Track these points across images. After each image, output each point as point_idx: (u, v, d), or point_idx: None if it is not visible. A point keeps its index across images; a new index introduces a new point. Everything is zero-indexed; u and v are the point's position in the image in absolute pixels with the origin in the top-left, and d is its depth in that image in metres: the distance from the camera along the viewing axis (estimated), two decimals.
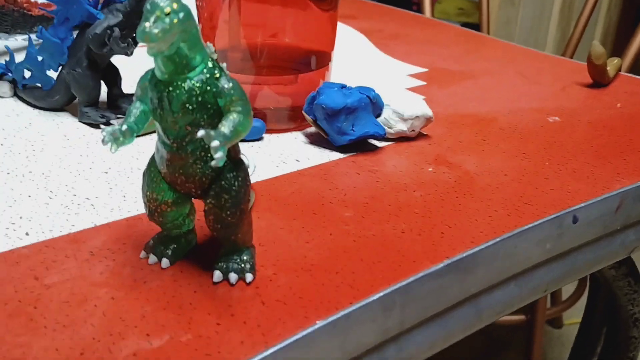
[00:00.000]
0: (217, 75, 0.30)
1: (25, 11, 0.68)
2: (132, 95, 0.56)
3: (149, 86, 0.31)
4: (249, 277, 0.33)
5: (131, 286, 0.32)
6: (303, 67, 0.54)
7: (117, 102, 0.54)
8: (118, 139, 0.30)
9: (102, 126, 0.51)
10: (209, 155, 0.31)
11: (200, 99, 0.30)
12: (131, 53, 0.51)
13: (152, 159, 0.33)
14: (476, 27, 1.27)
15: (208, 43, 0.31)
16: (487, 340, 1.39)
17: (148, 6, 0.28)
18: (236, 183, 0.31)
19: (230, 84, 0.30)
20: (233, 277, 0.33)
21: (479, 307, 0.40)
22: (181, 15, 0.28)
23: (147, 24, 0.28)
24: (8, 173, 0.44)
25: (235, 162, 0.32)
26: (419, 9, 1.22)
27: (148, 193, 0.32)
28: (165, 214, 0.33)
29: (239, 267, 0.33)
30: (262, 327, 0.30)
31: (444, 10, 2.38)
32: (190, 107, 0.30)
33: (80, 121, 0.52)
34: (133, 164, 0.45)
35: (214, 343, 0.29)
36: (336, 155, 0.48)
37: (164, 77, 0.30)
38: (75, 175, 0.44)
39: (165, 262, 0.34)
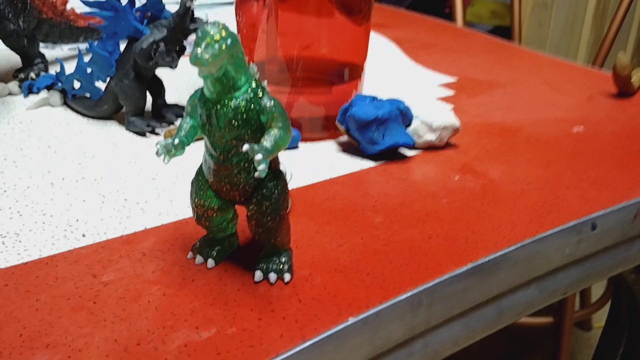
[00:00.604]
0: (260, 94, 0.33)
1: (71, 23, 0.72)
2: (174, 105, 0.59)
3: (198, 104, 0.34)
4: (287, 277, 0.36)
5: (180, 284, 0.35)
6: (337, 78, 0.56)
7: (161, 112, 0.58)
8: (170, 151, 0.33)
9: (147, 135, 0.54)
10: (252, 166, 0.34)
11: (245, 116, 0.33)
12: (175, 66, 0.54)
13: (200, 169, 0.36)
14: (509, 30, 1.29)
15: (251, 64, 0.34)
16: (515, 342, 1.40)
17: (199, 33, 0.31)
18: (276, 191, 0.35)
19: (272, 102, 0.33)
20: (273, 276, 0.36)
21: (500, 308, 0.42)
22: (229, 41, 0.32)
23: (198, 50, 0.31)
24: (63, 179, 0.47)
25: (275, 172, 0.35)
26: (451, 12, 1.25)
27: (196, 200, 0.36)
28: (211, 218, 0.36)
29: (278, 267, 0.36)
30: (299, 323, 0.33)
31: (477, 13, 2.40)
32: (236, 124, 0.33)
33: (127, 129, 0.56)
34: (178, 171, 0.49)
35: (257, 336, 0.32)
36: (367, 164, 0.51)
37: (212, 96, 0.33)
38: (125, 181, 0.47)
39: (210, 262, 0.37)
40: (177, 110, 0.59)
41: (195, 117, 0.34)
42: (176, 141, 0.34)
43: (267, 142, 0.32)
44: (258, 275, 0.36)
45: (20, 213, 0.42)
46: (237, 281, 0.36)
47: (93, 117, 0.58)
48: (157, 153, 0.33)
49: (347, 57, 0.57)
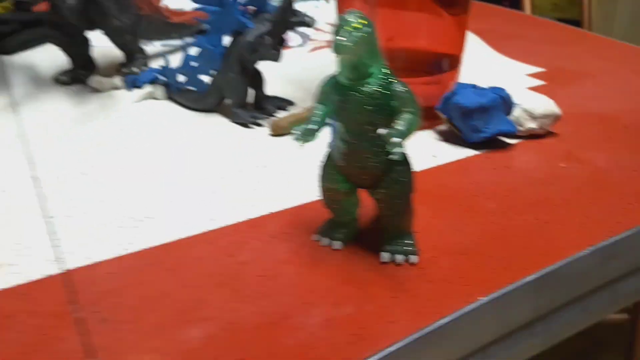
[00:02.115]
0: (392, 80, 0.35)
1: (166, 19, 0.75)
2: (274, 97, 0.61)
3: (331, 90, 0.35)
4: (413, 258, 0.37)
5: (312, 264, 0.37)
6: (435, 69, 0.57)
7: (262, 103, 0.60)
8: (307, 137, 0.35)
9: (250, 126, 0.56)
10: (383, 150, 0.35)
11: (378, 101, 0.34)
12: (279, 59, 0.56)
13: (329, 153, 0.37)
14: (571, 22, 1.27)
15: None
16: (588, 339, 1.38)
17: (341, 22, 0.33)
18: (406, 175, 0.36)
19: (404, 88, 0.35)
20: (400, 258, 0.37)
21: (616, 292, 0.42)
22: (367, 29, 0.33)
23: (340, 37, 0.32)
24: (181, 167, 0.49)
25: (404, 156, 0.36)
26: (512, 4, 1.23)
27: (326, 184, 0.37)
28: (339, 202, 0.37)
29: (404, 249, 0.37)
30: (432, 301, 0.34)
31: (538, 5, 2.36)
32: (370, 109, 0.34)
33: (231, 121, 0.58)
34: (286, 159, 0.50)
35: (394, 313, 0.33)
36: (470, 152, 0.52)
37: (347, 82, 0.34)
38: (240, 170, 0.49)
39: (338, 244, 0.38)
40: (277, 102, 0.61)
41: (327, 104, 0.36)
42: (311, 127, 0.35)
43: (401, 126, 0.33)
44: (387, 256, 0.37)
45: (150, 199, 0.44)
46: (363, 262, 0.37)
47: (197, 110, 0.60)
48: (295, 138, 0.35)
49: (445, 48, 0.58)
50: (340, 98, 0.35)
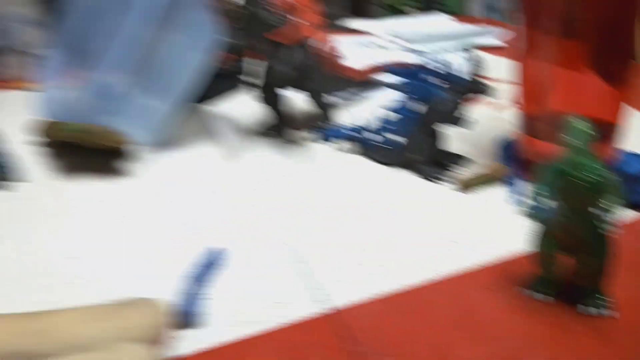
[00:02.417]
0: (601, 168, 0.43)
1: (346, 76, 0.85)
2: (451, 153, 0.70)
3: (555, 175, 0.44)
4: (609, 312, 0.46)
5: (528, 314, 0.46)
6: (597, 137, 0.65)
7: (441, 160, 0.69)
8: (537, 215, 0.45)
9: (434, 181, 0.66)
10: (593, 224, 0.44)
11: (592, 184, 0.43)
12: (464, 125, 0.65)
13: (544, 222, 0.46)
14: None
15: None
16: None
17: (570, 126, 0.42)
18: (608, 244, 0.45)
19: (610, 175, 0.43)
20: (597, 311, 0.46)
21: None
22: (589, 132, 0.42)
23: (571, 140, 0.42)
24: (368, 217, 0.60)
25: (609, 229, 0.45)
26: None
27: (544, 249, 0.47)
28: (552, 263, 0.47)
29: (601, 304, 0.46)
30: (633, 349, 0.42)
31: None
32: (586, 191, 0.43)
33: (422, 177, 0.68)
34: (473, 216, 0.60)
35: (610, 354, 0.42)
36: (635, 214, 0.60)
37: (570, 170, 0.43)
38: (432, 223, 0.59)
39: (547, 298, 0.48)
40: (452, 157, 0.70)
41: (550, 185, 0.45)
42: (537, 205, 0.45)
43: (611, 207, 0.43)
44: (586, 309, 0.46)
45: (382, 246, 0.55)
46: (567, 314, 0.46)
47: (387, 165, 0.71)
48: (526, 215, 0.45)
49: (609, 117, 0.65)
50: (563, 182, 0.44)
